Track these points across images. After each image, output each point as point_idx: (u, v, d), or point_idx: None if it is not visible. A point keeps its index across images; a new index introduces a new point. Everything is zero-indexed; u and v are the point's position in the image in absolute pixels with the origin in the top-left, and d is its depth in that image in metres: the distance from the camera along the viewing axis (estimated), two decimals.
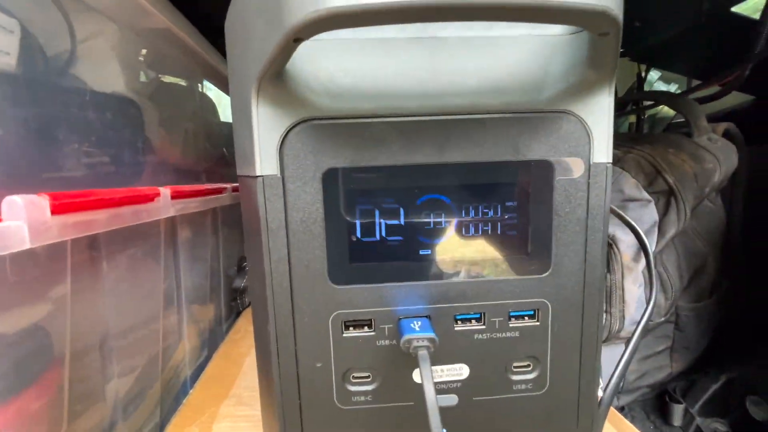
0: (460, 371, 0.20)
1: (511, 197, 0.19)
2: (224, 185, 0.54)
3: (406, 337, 0.18)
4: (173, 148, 0.46)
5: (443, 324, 0.20)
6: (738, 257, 0.62)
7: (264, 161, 0.18)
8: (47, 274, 0.24)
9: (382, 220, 0.19)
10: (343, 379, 0.20)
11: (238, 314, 0.64)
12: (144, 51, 0.40)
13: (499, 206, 0.19)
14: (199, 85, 0.56)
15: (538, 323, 0.20)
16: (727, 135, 0.61)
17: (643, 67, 0.79)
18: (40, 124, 0.25)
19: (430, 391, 0.16)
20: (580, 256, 0.20)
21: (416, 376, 0.20)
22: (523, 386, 0.21)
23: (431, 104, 0.18)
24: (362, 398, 0.20)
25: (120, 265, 0.32)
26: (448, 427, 0.20)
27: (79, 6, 0.31)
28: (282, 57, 0.15)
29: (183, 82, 0.50)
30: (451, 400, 0.20)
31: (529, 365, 0.21)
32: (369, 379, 0.20)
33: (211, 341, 0.54)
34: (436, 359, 0.20)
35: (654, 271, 0.37)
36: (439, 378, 0.20)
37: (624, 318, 0.52)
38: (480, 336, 0.20)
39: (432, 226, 0.19)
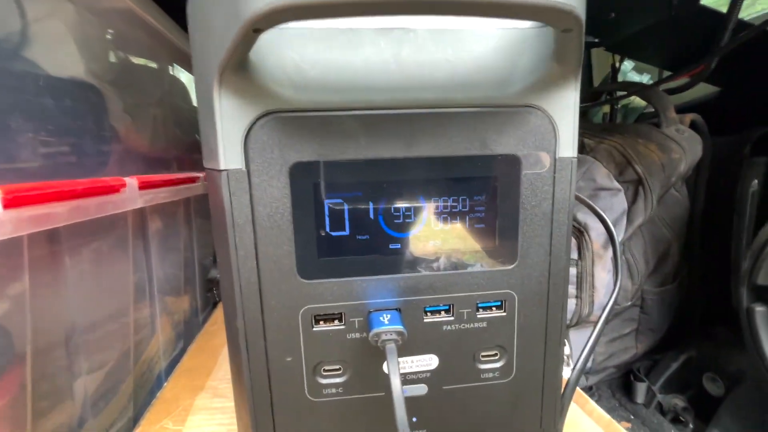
0: (429, 362, 0.21)
1: (478, 191, 0.19)
2: (197, 174, 0.52)
3: (375, 330, 0.18)
4: (140, 135, 0.44)
5: (413, 316, 0.20)
6: (699, 243, 0.65)
7: (228, 155, 0.17)
8: (3, 271, 0.23)
9: (350, 215, 0.19)
10: (314, 373, 0.20)
11: (215, 305, 0.63)
12: (104, 33, 0.38)
13: (467, 200, 0.19)
14: (169, 68, 0.54)
15: (504, 314, 0.21)
16: (693, 125, 0.64)
17: (618, 57, 0.81)
18: None
19: (396, 385, 0.16)
20: (545, 248, 0.20)
21: (386, 367, 0.20)
22: (491, 374, 0.21)
23: (399, 98, 0.18)
24: (333, 390, 0.20)
25: (84, 259, 0.31)
26: (418, 416, 0.21)
27: None
28: (242, 47, 0.14)
29: (149, 66, 0.48)
30: (421, 389, 0.21)
31: (496, 354, 0.21)
32: (340, 372, 0.20)
33: (187, 333, 0.54)
34: (406, 350, 0.20)
35: (620, 258, 0.38)
36: (409, 368, 0.21)
37: (593, 303, 0.55)
38: (449, 327, 0.20)
39: (401, 219, 0.19)
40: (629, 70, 0.95)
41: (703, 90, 0.79)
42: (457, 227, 0.20)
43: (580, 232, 0.56)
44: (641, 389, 0.57)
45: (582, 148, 0.60)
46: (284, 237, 0.18)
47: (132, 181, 0.35)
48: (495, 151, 0.19)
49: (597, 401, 0.37)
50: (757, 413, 0.47)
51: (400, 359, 0.20)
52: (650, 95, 0.65)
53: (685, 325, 0.64)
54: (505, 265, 0.20)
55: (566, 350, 0.59)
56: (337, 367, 0.20)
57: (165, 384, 0.42)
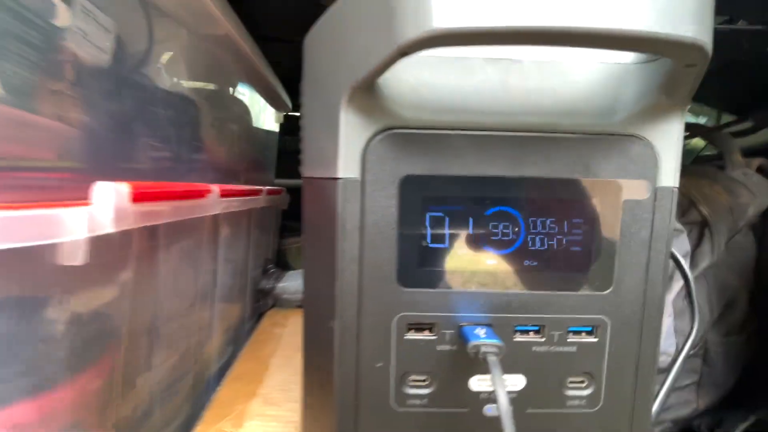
0: (517, 382, 0.21)
1: (578, 214, 0.20)
2: (260, 187, 0.55)
3: (473, 342, 0.18)
4: (220, 148, 0.48)
5: (503, 334, 0.20)
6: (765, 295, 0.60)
7: (347, 165, 0.19)
8: (117, 259, 0.25)
9: (451, 229, 0.20)
10: (401, 381, 0.20)
11: (260, 316, 0.65)
12: (205, 54, 0.42)
13: (565, 222, 0.20)
14: (245, 91, 0.58)
15: (596, 340, 0.20)
16: (761, 170, 0.61)
17: None
18: (122, 118, 0.27)
19: (502, 396, 0.16)
20: (641, 276, 0.20)
21: (473, 383, 0.20)
22: (577, 402, 0.21)
23: (506, 121, 0.19)
24: (418, 401, 0.21)
25: (172, 257, 0.34)
26: None
27: (155, 12, 0.33)
28: (384, 68, 0.16)
29: (232, 87, 0.53)
30: None
31: (584, 381, 0.21)
32: (426, 383, 0.21)
33: (236, 340, 0.55)
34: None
35: (695, 301, 0.36)
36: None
37: None
38: (538, 348, 0.20)
39: (499, 236, 0.20)
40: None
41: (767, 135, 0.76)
42: (554, 248, 0.20)
43: None
44: None
45: None
46: (388, 245, 0.19)
47: (215, 188, 0.38)
48: (597, 176, 0.19)
49: None
50: None
51: (487, 376, 0.20)
52: (715, 137, 0.63)
53: (754, 382, 0.59)
54: (600, 291, 0.20)
55: None
56: (424, 378, 0.20)
57: (219, 388, 0.43)
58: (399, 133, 0.19)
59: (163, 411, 0.35)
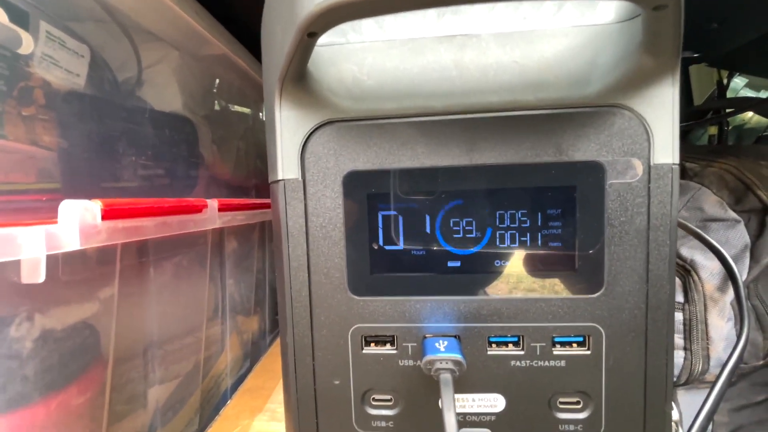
0: (494, 402, 0.18)
1: (553, 204, 0.17)
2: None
3: (428, 357, 0.16)
4: (225, 164, 0.48)
5: (474, 346, 0.17)
6: None
7: (286, 165, 0.18)
8: (97, 275, 0.26)
9: (405, 228, 0.18)
10: (363, 401, 0.18)
11: None
12: (201, 73, 0.43)
13: (539, 214, 0.17)
14: (254, 108, 0.59)
15: (588, 352, 0.17)
16: None
17: (725, 73, 0.70)
18: (102, 138, 0.27)
19: (450, 422, 0.14)
20: (639, 274, 0.17)
21: (442, 405, 0.18)
22: (572, 427, 0.17)
23: (459, 102, 0.17)
24: (383, 423, 0.18)
25: (166, 272, 0.34)
26: None
27: (147, 36, 0.34)
28: (300, 54, 0.15)
29: (238, 104, 0.54)
30: None
31: (578, 402, 0.17)
32: (391, 403, 0.18)
33: (254, 353, 0.55)
34: (467, 386, 0.18)
35: (745, 304, 0.31)
36: (470, 408, 0.18)
37: (709, 357, 0.45)
38: (518, 363, 0.17)
39: (461, 235, 0.17)
40: (741, 87, 0.83)
41: None
42: (528, 246, 0.17)
43: (685, 270, 0.47)
44: None
45: (683, 174, 0.52)
46: (336, 249, 0.18)
47: (213, 203, 0.38)
48: (572, 157, 0.16)
49: None
50: None
51: (460, 396, 0.18)
52: None
53: None
54: (588, 293, 0.17)
55: (674, 415, 0.49)
56: (387, 397, 0.18)
57: (228, 402, 0.43)
58: (338, 126, 0.17)
59: (168, 427, 0.35)
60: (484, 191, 0.17)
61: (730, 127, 0.74)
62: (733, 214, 0.46)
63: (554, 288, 0.17)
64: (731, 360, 0.28)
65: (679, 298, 0.48)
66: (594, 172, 0.16)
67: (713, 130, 0.74)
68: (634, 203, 0.16)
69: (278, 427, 0.37)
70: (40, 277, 0.20)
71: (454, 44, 0.17)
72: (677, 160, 0.16)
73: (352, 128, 0.17)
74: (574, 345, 0.17)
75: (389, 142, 0.17)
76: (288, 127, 0.17)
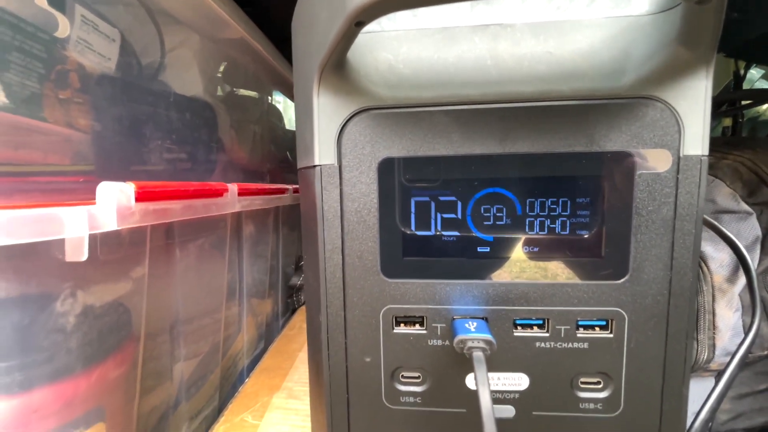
0: (518, 381, 0.19)
1: (583, 193, 0.17)
2: (286, 186, 0.56)
3: (460, 336, 0.17)
4: (242, 149, 0.49)
5: (501, 328, 0.18)
6: None
7: (322, 150, 0.18)
8: (130, 255, 0.27)
9: (438, 213, 0.18)
10: (392, 378, 0.19)
11: (294, 311, 0.66)
12: (220, 58, 0.44)
13: (568, 202, 0.17)
14: (268, 93, 0.60)
15: (611, 335, 0.18)
16: None
17: (742, 64, 0.70)
18: (130, 122, 0.28)
19: (485, 396, 0.15)
20: (664, 262, 0.17)
21: (470, 381, 0.19)
22: (592, 405, 0.18)
23: (493, 92, 0.17)
24: (411, 399, 0.19)
25: (190, 255, 0.35)
26: None
27: (169, 19, 0.34)
28: (344, 42, 0.15)
29: (253, 89, 0.54)
30: (508, 411, 0.19)
31: (599, 382, 0.18)
32: (419, 380, 0.19)
33: (268, 335, 0.57)
34: (493, 366, 0.19)
35: (757, 295, 0.31)
36: (495, 386, 0.19)
37: (714, 347, 0.45)
38: (542, 344, 0.18)
39: (492, 221, 0.18)
40: (757, 79, 0.82)
41: None
42: (557, 233, 0.18)
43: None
44: None
45: None
46: (370, 233, 0.18)
47: (233, 187, 0.38)
48: (603, 147, 0.17)
49: None
50: None
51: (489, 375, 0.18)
52: None
53: None
54: (613, 279, 0.18)
55: None
56: (416, 374, 0.19)
57: (246, 380, 0.44)
58: (375, 114, 0.18)
59: (192, 402, 0.37)
60: (516, 179, 0.18)
61: (745, 119, 0.74)
62: (745, 207, 0.47)
63: (580, 273, 0.18)
64: (741, 349, 0.28)
65: None
66: (624, 162, 0.17)
67: (727, 121, 0.74)
68: (662, 193, 0.17)
69: (296, 404, 0.38)
70: (84, 256, 0.21)
71: (488, 34, 0.17)
72: (707, 152, 0.17)
73: (388, 116, 0.18)
74: (597, 328, 0.18)
75: (424, 129, 0.18)
76: (325, 114, 0.18)
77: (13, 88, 0.20)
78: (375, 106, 0.18)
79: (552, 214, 0.18)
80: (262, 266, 0.55)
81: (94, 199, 0.22)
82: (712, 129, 0.81)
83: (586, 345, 0.18)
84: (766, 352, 0.47)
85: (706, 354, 0.47)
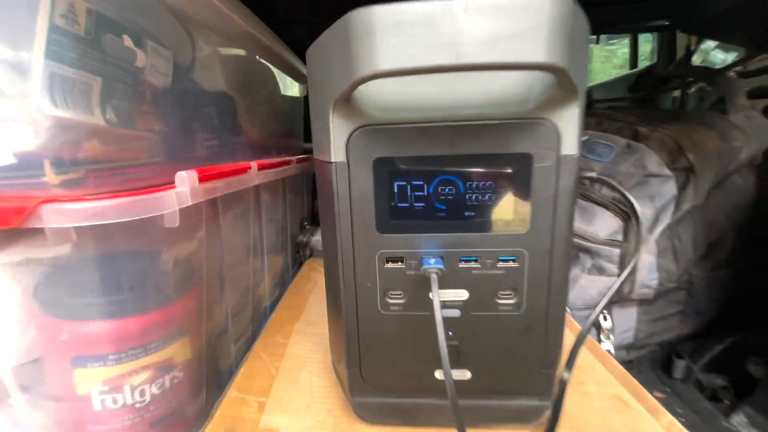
0: (461, 295, 0.30)
1: (502, 178, 0.28)
2: (290, 158, 0.65)
3: (424, 267, 0.28)
4: (254, 129, 0.58)
5: (452, 262, 0.29)
6: (761, 233, 0.64)
7: (336, 153, 0.28)
8: (195, 222, 0.37)
9: (412, 192, 0.29)
10: (384, 295, 0.31)
11: (301, 264, 0.78)
12: (234, 51, 0.51)
13: (493, 184, 0.28)
14: (270, 74, 0.67)
15: (518, 265, 0.29)
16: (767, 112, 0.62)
17: (694, 39, 0.78)
18: (182, 120, 0.37)
19: (436, 302, 0.26)
20: (550, 221, 0.28)
21: (431, 295, 0.30)
22: (507, 308, 0.30)
23: (448, 114, 0.27)
24: (396, 308, 0.31)
25: (228, 221, 0.45)
26: (452, 331, 0.31)
27: (195, 23, 0.42)
28: (351, 91, 0.24)
29: (259, 72, 0.61)
30: (455, 313, 0.30)
31: (510, 294, 0.30)
32: (401, 296, 0.31)
33: (282, 283, 0.69)
34: (446, 285, 0.30)
35: (640, 238, 0.42)
36: (447, 298, 0.30)
37: (634, 282, 0.59)
38: (477, 272, 0.29)
39: (445, 197, 0.28)
40: (712, 48, 0.90)
41: None
42: (487, 203, 0.28)
43: (627, 216, 0.59)
44: (680, 366, 0.61)
45: (636, 137, 0.62)
46: (368, 205, 0.29)
47: (254, 164, 0.48)
48: (514, 150, 0.27)
49: (636, 374, 0.43)
50: None
51: (441, 291, 0.30)
52: (717, 81, 0.64)
53: (736, 313, 0.64)
54: (520, 231, 0.28)
55: (607, 325, 0.64)
56: (399, 292, 0.31)
57: (271, 316, 0.56)
58: (371, 129, 0.27)
59: (235, 329, 0.48)
60: (461, 171, 0.28)
61: (692, 90, 0.83)
62: (667, 171, 0.58)
63: (500, 228, 0.29)
64: (619, 281, 0.40)
65: (620, 237, 0.61)
66: (527, 159, 0.27)
67: (677, 93, 0.83)
68: (549, 179, 0.27)
69: (313, 329, 0.50)
70: (176, 223, 0.31)
71: (447, 76, 0.27)
72: (577, 152, 0.27)
73: (380, 130, 0.27)
74: (510, 261, 0.29)
75: (403, 139, 0.27)
76: (338, 128, 0.27)
77: (118, 109, 0.29)
78: (371, 123, 0.27)
79: (482, 192, 0.28)
80: (275, 227, 0.66)
81: (164, 183, 0.32)
82: (665, 101, 0.90)
83: (503, 271, 0.29)
84: (674, 285, 0.61)
85: (628, 288, 0.60)
